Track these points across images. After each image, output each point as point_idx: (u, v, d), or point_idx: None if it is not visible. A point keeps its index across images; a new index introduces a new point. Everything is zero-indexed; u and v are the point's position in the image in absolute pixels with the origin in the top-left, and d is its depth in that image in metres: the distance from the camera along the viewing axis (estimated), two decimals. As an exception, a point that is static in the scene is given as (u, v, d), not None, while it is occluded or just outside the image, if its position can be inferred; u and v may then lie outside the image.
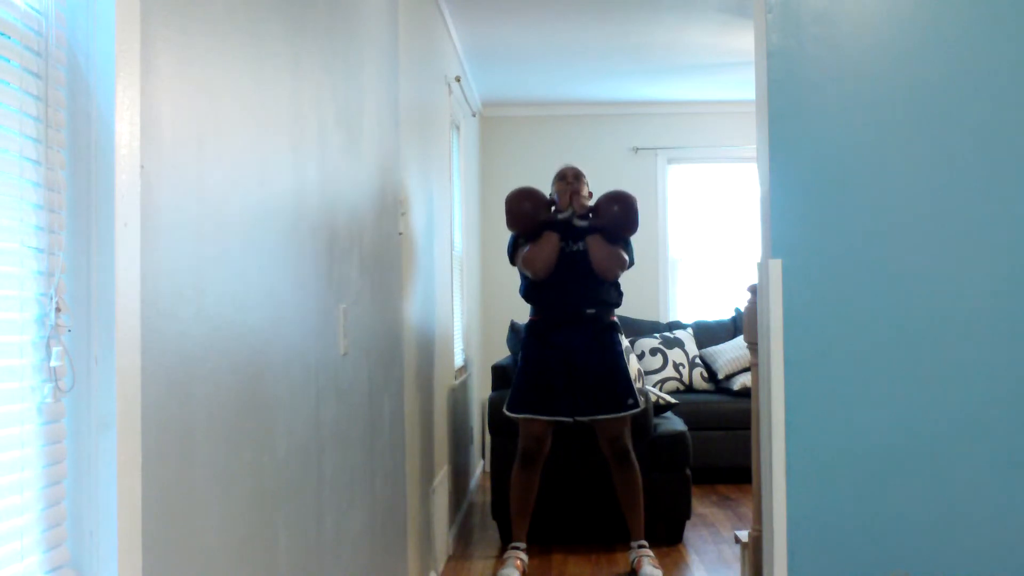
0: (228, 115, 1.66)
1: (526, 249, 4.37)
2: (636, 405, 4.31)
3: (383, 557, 2.99)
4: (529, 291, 4.43)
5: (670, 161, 7.59)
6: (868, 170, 2.68)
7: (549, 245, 4.31)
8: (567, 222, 4.38)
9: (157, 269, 1.35)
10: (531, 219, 4.34)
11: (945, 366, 2.66)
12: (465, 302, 6.17)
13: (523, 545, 4.40)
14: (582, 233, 4.37)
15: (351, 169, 2.64)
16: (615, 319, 4.45)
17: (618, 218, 4.32)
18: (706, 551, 4.70)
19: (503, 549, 4.68)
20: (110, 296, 1.21)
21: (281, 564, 1.92)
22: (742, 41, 5.58)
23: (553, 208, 4.41)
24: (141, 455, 1.27)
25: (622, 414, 4.30)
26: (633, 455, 4.38)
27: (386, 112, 3.24)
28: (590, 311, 4.33)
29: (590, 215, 4.40)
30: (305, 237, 2.15)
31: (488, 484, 5.89)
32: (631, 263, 4.43)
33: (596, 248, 4.31)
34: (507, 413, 4.38)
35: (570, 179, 4.43)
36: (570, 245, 4.37)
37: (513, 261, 4.48)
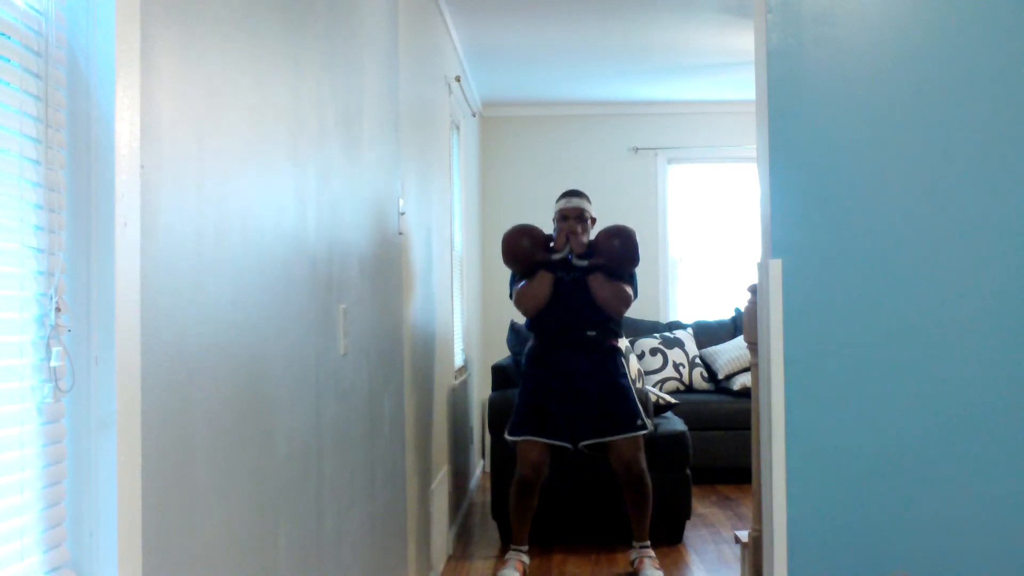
0: (228, 115, 1.66)
1: (520, 286, 4.33)
2: (644, 426, 4.25)
3: (383, 557, 2.99)
4: (531, 321, 4.40)
5: (670, 161, 7.59)
6: (868, 170, 2.68)
7: (542, 285, 4.27)
8: (565, 260, 4.33)
9: (157, 269, 1.35)
10: (528, 257, 4.28)
11: (945, 366, 2.66)
12: (465, 302, 6.17)
13: (525, 547, 4.39)
14: (581, 270, 4.31)
15: (351, 169, 2.64)
16: (617, 344, 4.39)
17: (619, 253, 4.25)
18: (706, 551, 4.70)
19: (503, 549, 4.68)
20: (110, 296, 1.21)
21: (281, 564, 1.92)
22: (742, 41, 5.58)
23: (551, 245, 4.33)
24: (141, 455, 1.27)
25: (633, 434, 4.22)
26: (648, 479, 4.30)
27: (386, 112, 3.24)
28: (591, 333, 4.28)
29: (589, 250, 4.31)
30: (305, 237, 2.15)
31: (488, 484, 5.89)
32: (635, 295, 4.37)
33: (599, 287, 4.25)
34: (507, 438, 4.34)
35: (572, 219, 4.33)
36: (569, 274, 4.31)
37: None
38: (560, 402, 4.24)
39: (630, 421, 4.22)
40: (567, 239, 4.30)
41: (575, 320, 4.30)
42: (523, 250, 4.28)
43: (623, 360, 4.40)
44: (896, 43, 2.69)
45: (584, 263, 4.29)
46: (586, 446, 4.26)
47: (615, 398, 4.24)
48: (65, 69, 1.21)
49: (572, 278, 4.31)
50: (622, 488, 4.36)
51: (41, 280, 1.17)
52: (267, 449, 1.85)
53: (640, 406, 4.31)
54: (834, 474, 2.65)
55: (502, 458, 4.71)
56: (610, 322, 4.34)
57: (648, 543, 4.38)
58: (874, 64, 2.68)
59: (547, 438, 4.24)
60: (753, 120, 2.85)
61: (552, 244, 4.34)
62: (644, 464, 4.29)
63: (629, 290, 4.32)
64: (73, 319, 1.19)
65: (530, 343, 4.44)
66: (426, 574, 3.90)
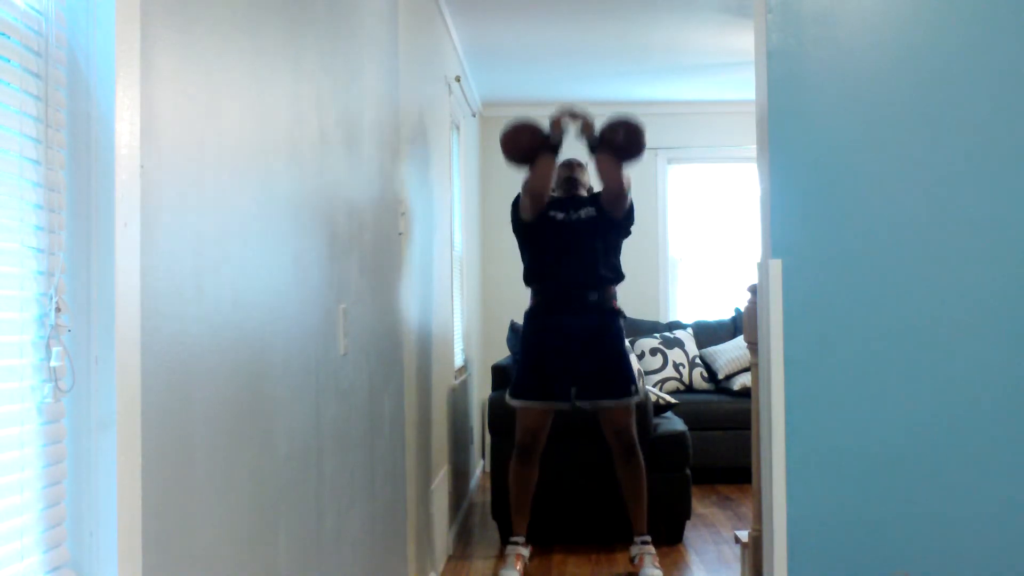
0: (228, 115, 1.66)
1: (526, 183, 4.31)
2: (638, 392, 4.28)
3: (383, 557, 2.99)
4: (530, 273, 4.37)
5: (670, 161, 7.59)
6: (868, 170, 2.68)
7: (545, 166, 4.25)
8: (569, 196, 4.34)
9: (157, 269, 1.35)
10: (527, 149, 4.27)
11: (945, 366, 2.66)
12: (465, 302, 6.17)
13: (522, 539, 4.36)
14: (583, 203, 4.30)
15: (351, 169, 2.65)
16: (617, 304, 4.37)
17: (621, 144, 4.24)
18: (706, 551, 4.70)
19: (503, 549, 4.68)
20: (110, 296, 1.21)
21: (281, 564, 1.92)
22: (742, 41, 5.58)
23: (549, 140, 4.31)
24: (141, 455, 1.27)
25: (625, 400, 4.24)
26: (639, 448, 4.34)
27: (386, 112, 3.24)
28: (592, 297, 4.27)
29: (590, 192, 4.40)
30: (305, 237, 2.15)
31: (488, 484, 5.89)
32: (631, 208, 4.36)
33: (605, 164, 4.23)
34: (508, 400, 4.36)
35: (574, 165, 4.43)
36: (571, 214, 4.30)
37: (516, 226, 4.41)
38: (558, 363, 4.24)
39: (624, 387, 4.24)
40: (559, 122, 4.28)
41: (576, 280, 4.26)
42: (522, 146, 4.30)
43: (621, 322, 4.37)
44: (896, 43, 2.69)
45: (585, 195, 4.32)
46: (582, 405, 4.26)
47: (611, 363, 4.25)
48: (65, 69, 1.21)
49: (575, 219, 4.29)
50: (615, 462, 4.36)
51: (41, 280, 1.17)
52: (267, 449, 1.85)
53: (633, 371, 4.33)
54: (834, 474, 2.65)
55: (502, 458, 4.72)
56: (608, 270, 4.30)
57: (648, 538, 4.35)
58: (874, 64, 2.68)
59: (545, 400, 4.25)
60: (753, 120, 2.85)
61: (549, 137, 4.30)
62: (635, 432, 4.32)
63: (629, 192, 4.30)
64: (73, 319, 1.19)
65: (530, 303, 4.40)
66: (426, 574, 3.90)
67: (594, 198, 4.38)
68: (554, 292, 4.31)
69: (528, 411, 4.30)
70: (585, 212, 4.30)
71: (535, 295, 4.38)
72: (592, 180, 4.53)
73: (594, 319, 4.26)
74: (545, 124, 4.38)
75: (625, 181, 4.27)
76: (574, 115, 4.32)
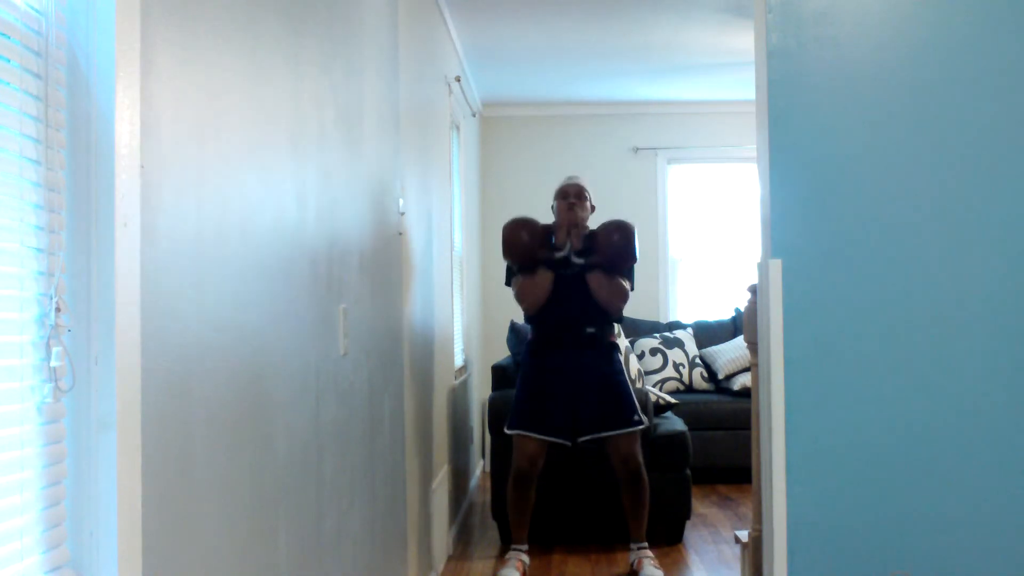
0: (228, 115, 1.66)
1: (519, 279, 4.30)
2: (641, 422, 4.28)
3: (383, 557, 2.99)
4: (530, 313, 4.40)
5: (670, 161, 7.59)
6: (868, 170, 2.68)
7: (542, 284, 4.25)
8: (565, 258, 4.32)
9: (157, 269, 1.35)
10: (527, 251, 4.25)
11: (945, 366, 2.66)
12: (465, 302, 6.17)
13: (524, 547, 4.39)
14: (580, 267, 4.30)
15: (351, 169, 2.65)
16: (615, 339, 4.41)
17: (619, 248, 4.21)
18: (706, 551, 4.70)
19: (503, 549, 4.68)
20: (110, 296, 1.21)
21: (281, 564, 1.92)
22: (742, 41, 5.58)
23: (552, 241, 4.30)
24: (141, 455, 1.27)
25: (629, 430, 4.25)
26: (645, 473, 4.35)
27: (386, 112, 3.24)
28: (590, 330, 4.28)
29: (589, 241, 4.31)
30: (305, 237, 2.15)
31: (488, 484, 5.89)
32: (632, 288, 4.34)
33: (598, 286, 4.23)
34: (507, 431, 4.36)
35: (572, 197, 4.33)
36: (568, 269, 4.30)
37: (509, 283, 4.44)
38: (558, 398, 4.26)
39: (627, 417, 4.24)
40: (568, 232, 4.27)
41: (574, 317, 4.29)
42: (522, 244, 4.25)
43: (620, 356, 4.40)
44: (896, 43, 2.69)
45: (581, 261, 4.28)
46: (584, 441, 4.28)
47: (613, 394, 4.26)
48: (65, 69, 1.21)
49: (572, 273, 4.30)
50: (620, 485, 4.38)
51: (41, 280, 1.17)
52: (267, 449, 1.85)
53: (637, 402, 4.33)
54: (834, 474, 2.65)
55: (502, 458, 4.72)
56: (608, 316, 4.34)
57: (646, 544, 4.39)
58: (874, 64, 2.68)
59: (544, 435, 4.27)
60: (753, 120, 2.85)
61: (553, 239, 4.31)
62: (641, 459, 4.33)
63: (627, 285, 4.31)
64: (73, 319, 1.19)
65: (529, 336, 4.43)
66: (426, 574, 3.90)
67: (591, 247, 4.32)
68: (553, 328, 4.32)
69: (527, 440, 4.29)
70: (584, 259, 4.28)
71: (534, 332, 4.40)
72: (592, 200, 4.47)
73: (592, 352, 4.28)
74: (549, 217, 4.36)
75: (622, 301, 4.27)
76: (571, 226, 4.27)
